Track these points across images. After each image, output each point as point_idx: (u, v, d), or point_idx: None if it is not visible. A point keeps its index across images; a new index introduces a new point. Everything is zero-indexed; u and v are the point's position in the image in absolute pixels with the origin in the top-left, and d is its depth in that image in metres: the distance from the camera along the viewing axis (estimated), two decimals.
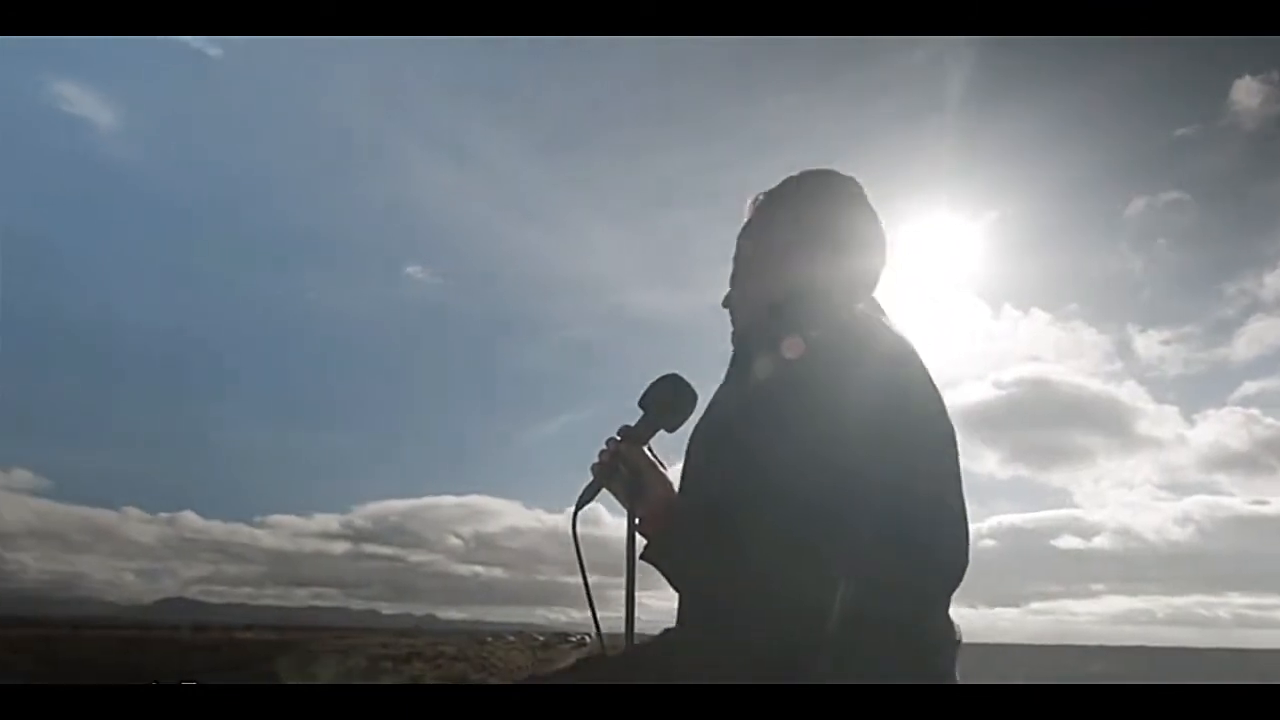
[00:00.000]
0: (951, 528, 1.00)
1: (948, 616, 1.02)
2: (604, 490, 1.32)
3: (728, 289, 1.32)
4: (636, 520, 1.23)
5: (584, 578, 1.28)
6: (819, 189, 1.30)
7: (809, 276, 1.20)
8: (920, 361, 1.07)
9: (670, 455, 1.29)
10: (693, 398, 1.24)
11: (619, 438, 1.28)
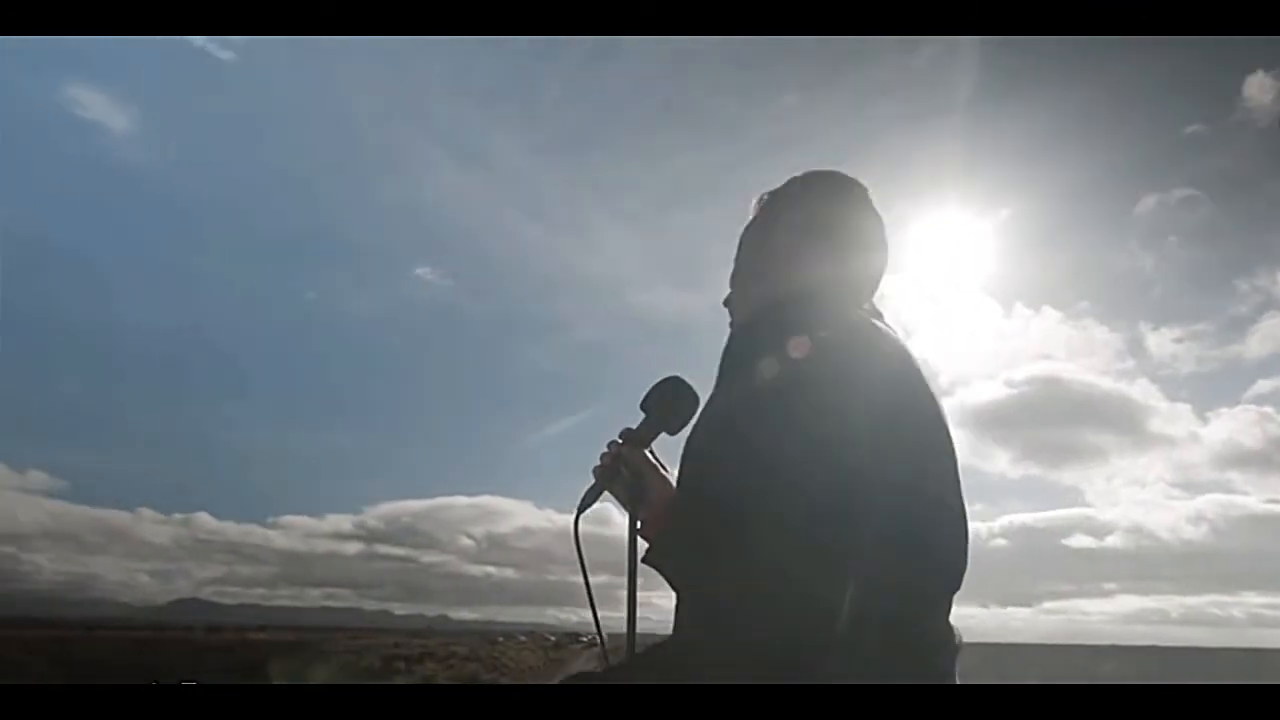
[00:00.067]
0: (952, 528, 1.00)
1: (948, 619, 1.01)
2: (606, 494, 1.32)
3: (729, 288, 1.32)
4: (638, 523, 1.23)
5: (586, 580, 1.28)
6: (823, 189, 1.29)
7: (811, 277, 1.19)
8: (918, 363, 1.07)
9: (672, 458, 1.28)
10: (694, 400, 1.23)
11: (620, 440, 1.28)
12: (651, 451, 1.29)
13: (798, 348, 0.95)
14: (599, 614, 1.27)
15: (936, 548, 0.98)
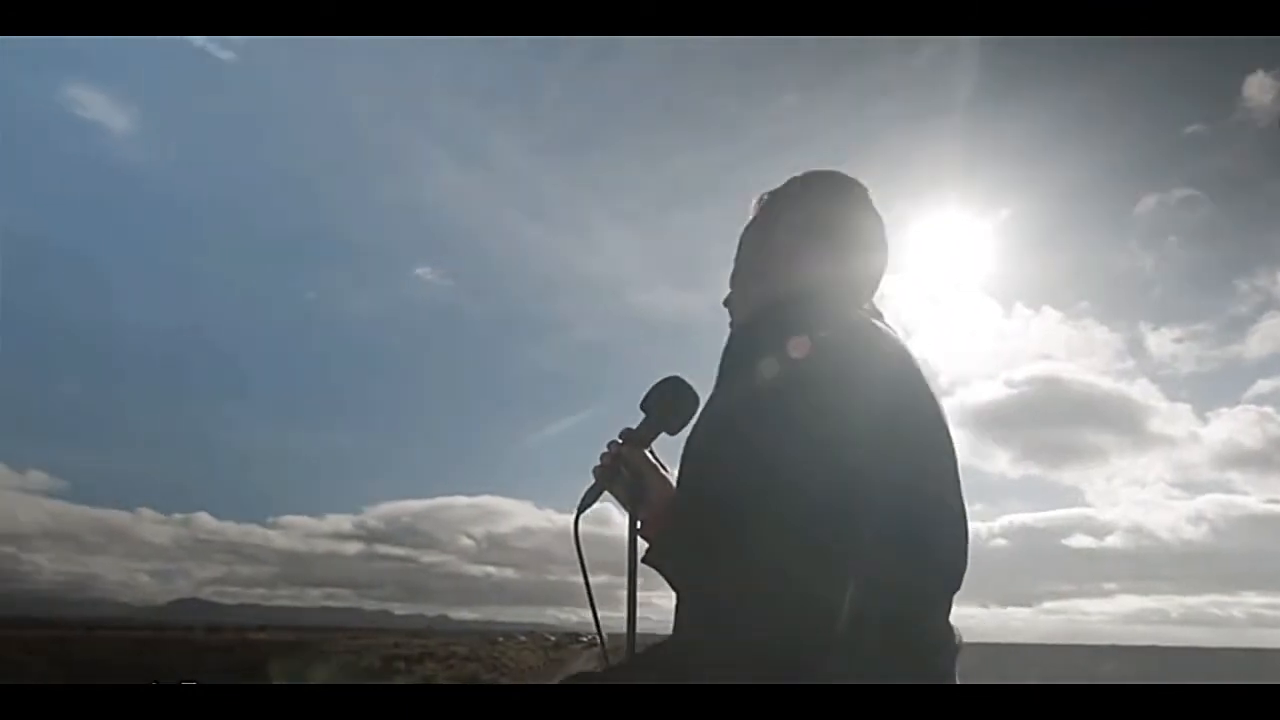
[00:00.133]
0: (952, 527, 1.00)
1: (948, 619, 1.01)
2: (606, 494, 1.32)
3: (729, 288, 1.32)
4: (638, 524, 1.23)
5: (586, 580, 1.28)
6: (823, 189, 1.29)
7: (811, 277, 1.19)
8: (918, 363, 1.07)
9: (672, 458, 1.28)
10: (694, 400, 1.22)
11: (620, 440, 1.28)
12: (651, 451, 1.29)
13: (798, 347, 0.95)
14: (599, 614, 1.27)
15: (936, 548, 0.98)
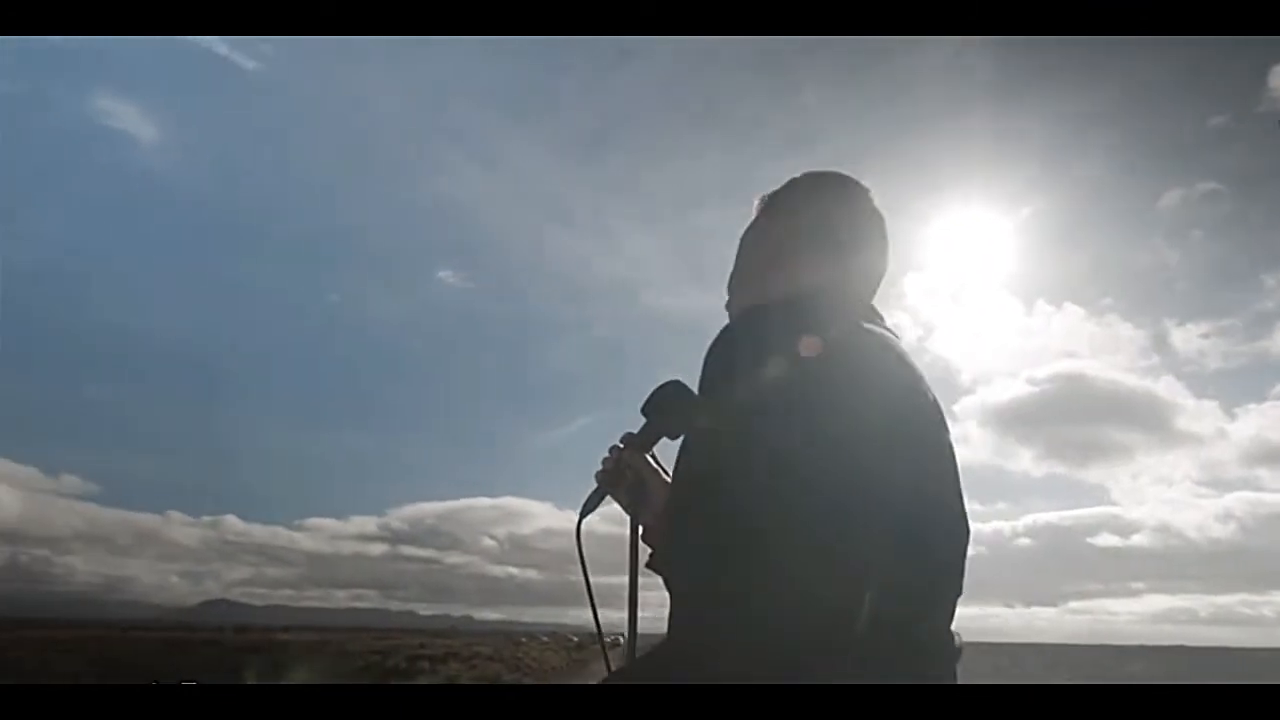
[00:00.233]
0: (952, 528, 0.99)
1: (949, 621, 1.00)
2: (609, 498, 1.32)
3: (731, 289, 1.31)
4: (640, 528, 1.23)
5: (587, 583, 1.29)
6: (823, 191, 1.28)
7: (809, 279, 1.19)
8: (916, 365, 1.07)
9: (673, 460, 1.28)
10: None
11: (622, 445, 1.28)
12: (654, 455, 1.29)
13: (810, 347, 0.94)
14: (609, 616, 1.28)
15: (937, 548, 0.97)
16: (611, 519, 1.33)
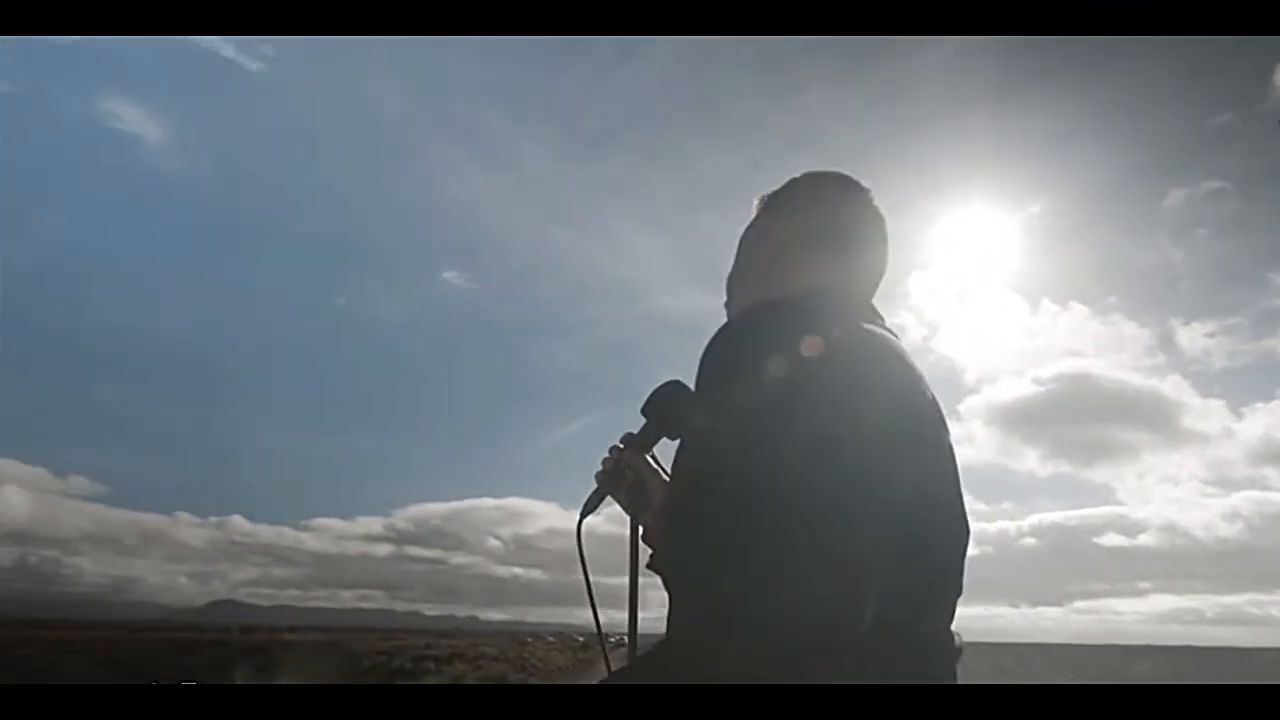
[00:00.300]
0: (952, 528, 0.99)
1: (949, 621, 1.00)
2: (609, 499, 1.32)
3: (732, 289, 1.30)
4: (640, 529, 1.23)
5: (588, 584, 1.29)
6: (822, 191, 1.27)
7: (808, 279, 1.18)
8: (916, 365, 1.06)
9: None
10: None
11: (622, 445, 1.28)
12: (654, 456, 1.29)
13: (811, 347, 0.94)
14: (602, 616, 1.28)
15: (938, 548, 0.97)
16: (615, 519, 1.33)
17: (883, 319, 1.17)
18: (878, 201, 1.28)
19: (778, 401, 0.92)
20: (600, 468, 1.30)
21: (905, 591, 0.89)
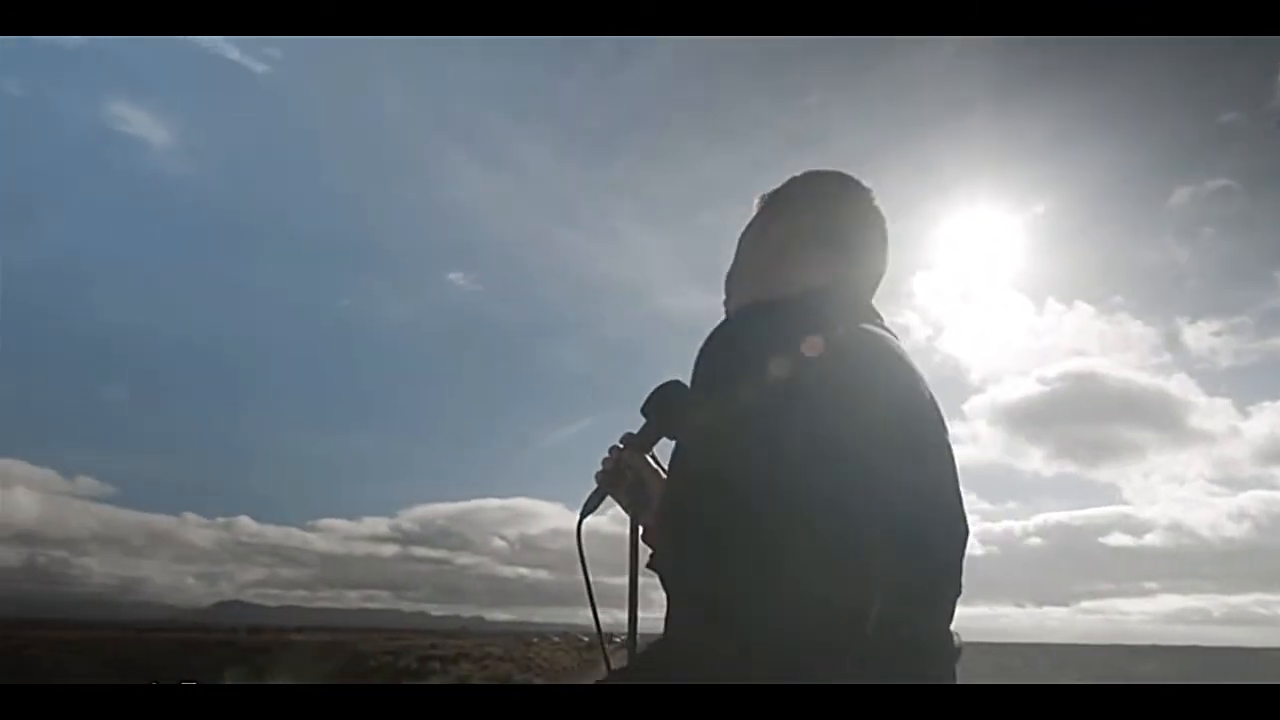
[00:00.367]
0: (951, 528, 0.99)
1: (949, 621, 1.00)
2: (609, 499, 1.33)
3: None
4: (640, 529, 1.24)
5: (588, 583, 1.29)
6: (823, 190, 1.27)
7: (806, 279, 1.18)
8: (915, 366, 1.06)
9: None
10: None
11: (622, 445, 1.28)
12: (653, 456, 1.29)
13: (813, 347, 0.94)
14: (605, 616, 1.29)
15: (938, 548, 0.97)
16: (619, 519, 1.33)
17: (882, 319, 1.17)
18: (878, 201, 1.27)
19: (778, 401, 0.92)
20: (600, 468, 1.31)
21: (905, 591, 0.89)
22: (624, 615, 1.27)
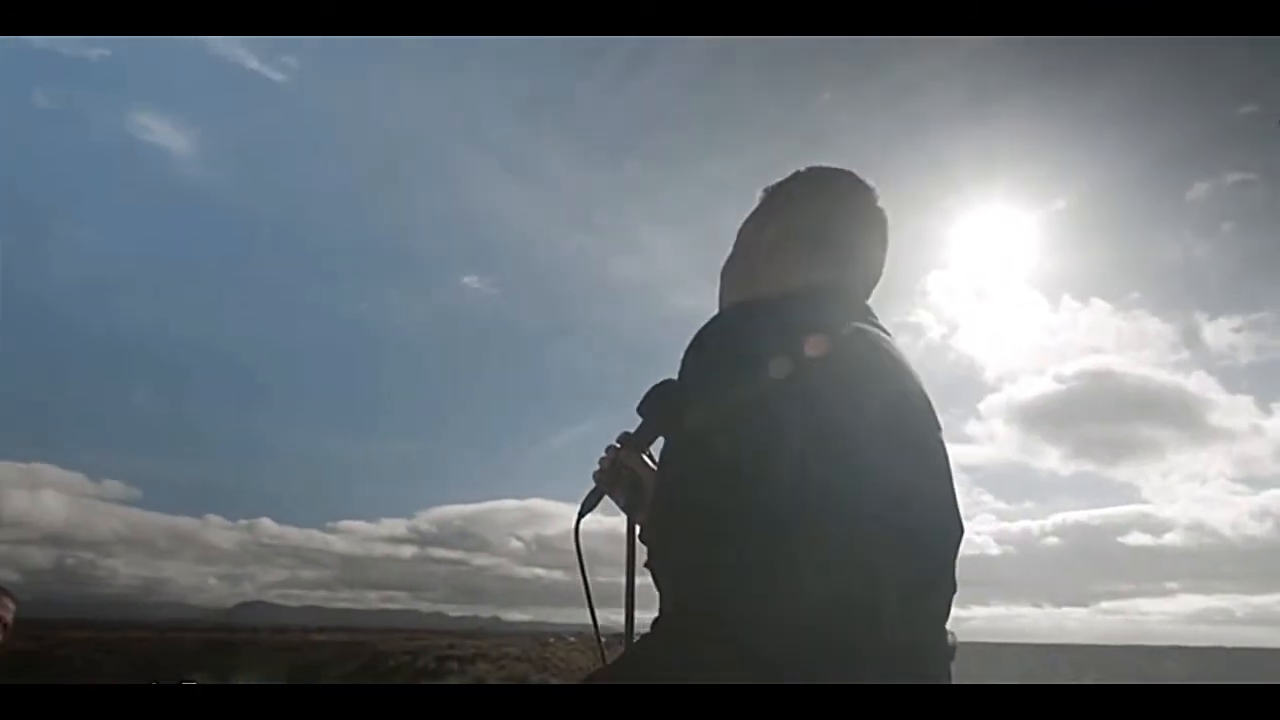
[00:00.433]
0: (947, 524, 0.98)
1: (945, 619, 0.99)
2: (607, 498, 1.33)
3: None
4: (637, 528, 1.24)
5: (585, 583, 1.29)
6: (824, 187, 1.26)
7: (805, 275, 1.17)
8: (911, 365, 1.06)
9: None
10: None
11: (619, 445, 1.27)
12: (650, 455, 1.29)
13: (815, 346, 0.93)
14: (605, 615, 1.29)
15: (934, 547, 0.96)
16: (621, 519, 1.33)
17: (876, 318, 1.15)
18: (881, 201, 1.25)
19: (772, 400, 0.91)
20: (597, 467, 1.31)
21: (903, 590, 0.89)
22: (643, 615, 1.27)
